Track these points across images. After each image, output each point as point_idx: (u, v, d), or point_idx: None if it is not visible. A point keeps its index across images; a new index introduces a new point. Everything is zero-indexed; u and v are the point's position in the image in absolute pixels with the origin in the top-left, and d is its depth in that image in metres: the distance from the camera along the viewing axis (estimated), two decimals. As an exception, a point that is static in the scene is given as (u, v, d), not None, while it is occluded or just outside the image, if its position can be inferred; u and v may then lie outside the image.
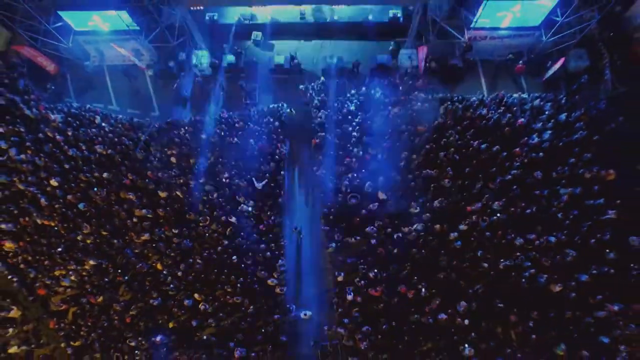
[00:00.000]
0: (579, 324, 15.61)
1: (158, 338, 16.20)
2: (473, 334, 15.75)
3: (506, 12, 18.00)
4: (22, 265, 17.54)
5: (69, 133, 19.29)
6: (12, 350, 16.70)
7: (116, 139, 19.18)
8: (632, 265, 15.74)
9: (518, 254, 16.28)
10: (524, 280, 15.98)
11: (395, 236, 16.74)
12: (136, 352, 16.53)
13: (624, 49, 19.71)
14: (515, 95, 19.00)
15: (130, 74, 21.35)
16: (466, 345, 15.38)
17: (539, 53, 19.77)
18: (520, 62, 19.73)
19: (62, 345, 16.94)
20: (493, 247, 16.54)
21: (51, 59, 21.14)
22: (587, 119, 18.07)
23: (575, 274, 15.76)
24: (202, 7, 20.25)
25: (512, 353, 15.64)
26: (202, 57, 20.67)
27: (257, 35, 20.99)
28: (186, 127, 19.42)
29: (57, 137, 19.08)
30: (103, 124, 19.80)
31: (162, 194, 18.11)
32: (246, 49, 21.13)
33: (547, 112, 18.48)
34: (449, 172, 17.36)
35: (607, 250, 15.91)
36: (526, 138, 17.76)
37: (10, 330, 16.87)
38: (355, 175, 17.78)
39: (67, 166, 18.50)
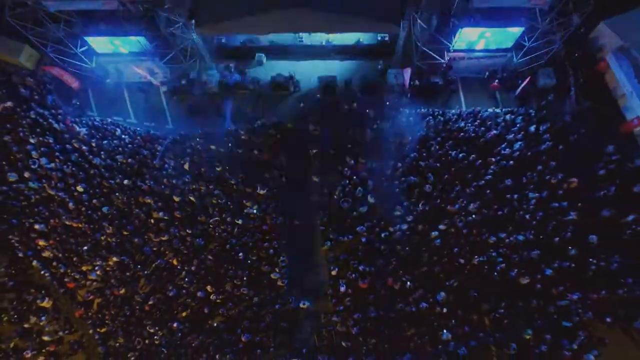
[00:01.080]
0: (543, 311, 17.54)
1: (175, 324, 18.24)
2: (451, 321, 17.61)
3: (480, 37, 20.25)
4: (54, 263, 19.58)
5: (93, 144, 21.32)
6: (46, 338, 18.80)
7: (135, 149, 21.31)
8: (590, 260, 17.80)
9: (491, 250, 18.21)
10: (495, 273, 17.90)
11: (382, 235, 18.71)
12: (155, 337, 18.48)
13: (588, 67, 21.72)
14: (489, 109, 21.15)
15: (146, 90, 23.46)
16: (445, 331, 17.34)
17: (512, 71, 21.81)
18: (496, 80, 21.84)
19: (90, 331, 18.94)
20: (469, 245, 18.43)
21: (75, 76, 23.24)
22: (553, 131, 20.16)
23: (541, 268, 17.73)
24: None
25: (485, 337, 17.61)
26: (211, 76, 22.79)
27: (260, 56, 22.93)
28: (197, 139, 21.35)
29: (83, 147, 21.13)
30: (123, 136, 21.78)
31: (177, 199, 20.00)
32: (250, 69, 23.20)
33: (518, 125, 20.40)
34: (430, 178, 19.30)
35: (569, 247, 17.91)
36: (499, 148, 19.73)
37: (44, 318, 18.96)
38: (347, 181, 19.74)
39: (92, 173, 20.50)
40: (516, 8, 18.48)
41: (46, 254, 19.72)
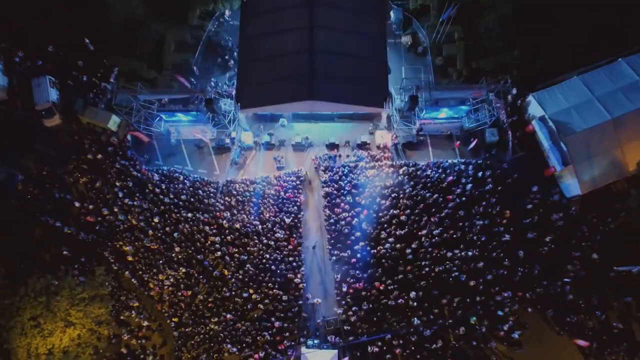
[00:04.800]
0: (484, 304, 25.02)
1: (228, 315, 25.86)
2: (420, 311, 24.97)
3: (440, 111, 28.40)
4: (139, 273, 27.42)
5: (163, 186, 29.00)
6: (141, 324, 26.60)
7: (194, 191, 29.05)
8: (519, 268, 25.37)
9: (448, 262, 25.68)
10: (451, 278, 25.29)
11: (372, 251, 26.26)
12: (213, 324, 26.01)
13: (521, 128, 29.44)
14: (449, 160, 28.93)
15: (199, 145, 31.50)
16: (415, 318, 24.66)
17: (466, 131, 29.72)
18: (457, 141, 29.71)
19: (167, 321, 26.59)
20: (432, 258, 25.84)
21: (146, 135, 31.16)
22: (495, 176, 27.78)
23: (483, 274, 25.29)
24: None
25: (444, 323, 25.02)
26: (247, 136, 30.81)
27: (283, 121, 30.69)
28: (239, 183, 29.16)
29: (155, 189, 29.02)
30: (185, 181, 29.43)
31: (225, 225, 27.91)
32: (276, 130, 31.07)
33: (470, 172, 28.07)
34: (406, 211, 26.96)
35: (504, 260, 25.39)
36: (455, 188, 27.40)
37: (134, 312, 26.78)
38: (347, 214, 27.39)
39: (163, 209, 28.38)
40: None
41: (133, 266, 27.58)
